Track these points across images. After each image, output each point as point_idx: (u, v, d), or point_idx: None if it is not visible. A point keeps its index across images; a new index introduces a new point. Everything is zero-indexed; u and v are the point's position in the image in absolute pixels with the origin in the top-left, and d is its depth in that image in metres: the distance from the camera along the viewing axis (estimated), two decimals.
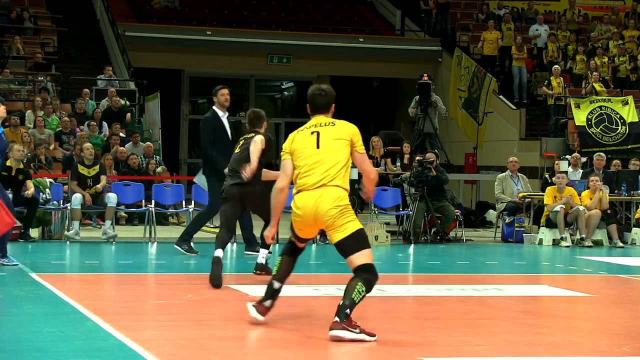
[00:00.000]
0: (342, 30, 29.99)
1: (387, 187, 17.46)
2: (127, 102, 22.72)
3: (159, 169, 19.56)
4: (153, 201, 16.22)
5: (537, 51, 27.64)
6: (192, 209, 16.01)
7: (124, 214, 18.46)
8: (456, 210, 16.90)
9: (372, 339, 6.87)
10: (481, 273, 12.74)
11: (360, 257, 6.95)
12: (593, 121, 23.16)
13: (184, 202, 16.92)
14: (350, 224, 6.99)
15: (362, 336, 6.82)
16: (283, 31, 28.95)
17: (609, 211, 16.97)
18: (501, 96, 25.58)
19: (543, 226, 17.00)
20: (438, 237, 16.50)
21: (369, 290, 6.92)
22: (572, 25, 28.96)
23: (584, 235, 16.69)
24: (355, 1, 32.18)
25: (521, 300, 9.50)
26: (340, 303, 6.83)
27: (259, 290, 9.46)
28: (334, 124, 7.26)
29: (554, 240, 16.73)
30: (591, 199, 16.86)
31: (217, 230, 17.87)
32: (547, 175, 19.47)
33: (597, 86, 24.72)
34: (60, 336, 6.84)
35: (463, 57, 26.64)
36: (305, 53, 28.42)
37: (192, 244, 13.25)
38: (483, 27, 28.04)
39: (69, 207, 15.20)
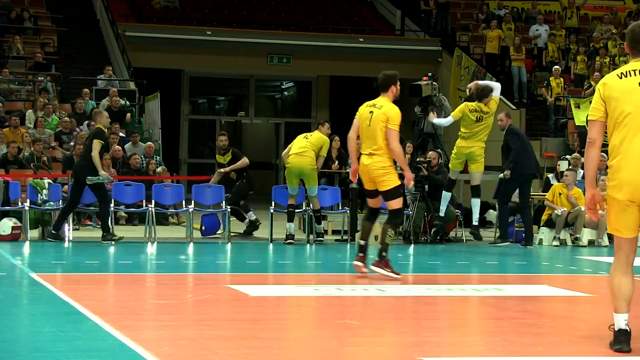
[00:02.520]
0: (342, 30, 29.97)
1: None
2: (127, 102, 22.70)
3: (159, 169, 19.56)
4: (153, 201, 16.18)
5: (537, 51, 27.62)
6: (192, 209, 16.00)
7: (124, 214, 18.45)
8: (456, 210, 16.89)
9: (397, 276, 10.48)
10: (481, 273, 12.73)
11: (394, 204, 10.62)
12: None
13: (184, 202, 16.89)
14: (391, 181, 10.56)
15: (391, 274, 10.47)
16: (283, 31, 28.92)
17: None
18: (501, 96, 25.52)
19: (543, 226, 17.00)
20: (438, 237, 16.49)
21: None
22: (572, 23, 28.92)
23: (578, 235, 16.74)
24: (355, 1, 32.16)
25: (521, 300, 9.49)
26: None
27: (259, 290, 9.51)
28: (381, 107, 10.69)
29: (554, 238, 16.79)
30: None
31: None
32: (549, 176, 19.45)
33: None
34: (60, 336, 6.83)
35: (463, 57, 26.61)
36: (305, 53, 28.39)
37: None
38: (483, 28, 28.01)
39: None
